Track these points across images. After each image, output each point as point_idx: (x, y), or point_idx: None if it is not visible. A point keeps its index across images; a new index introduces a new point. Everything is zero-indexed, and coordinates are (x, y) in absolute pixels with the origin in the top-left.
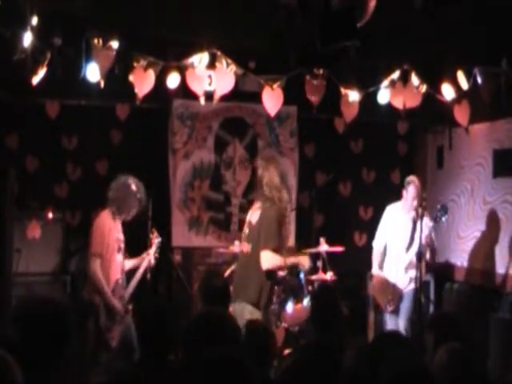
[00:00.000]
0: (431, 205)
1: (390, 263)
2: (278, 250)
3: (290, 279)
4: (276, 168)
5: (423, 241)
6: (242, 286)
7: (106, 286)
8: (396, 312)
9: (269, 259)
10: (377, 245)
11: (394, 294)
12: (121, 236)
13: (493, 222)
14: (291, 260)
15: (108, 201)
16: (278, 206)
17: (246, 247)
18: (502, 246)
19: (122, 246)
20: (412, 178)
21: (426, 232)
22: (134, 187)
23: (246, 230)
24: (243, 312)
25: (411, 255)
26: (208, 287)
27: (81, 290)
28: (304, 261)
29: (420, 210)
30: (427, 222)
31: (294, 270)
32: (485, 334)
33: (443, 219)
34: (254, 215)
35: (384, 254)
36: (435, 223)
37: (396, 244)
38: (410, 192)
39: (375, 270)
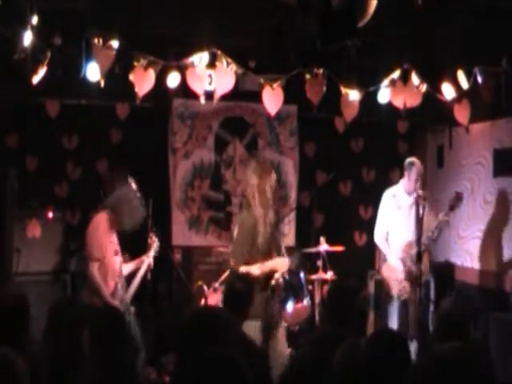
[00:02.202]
0: (431, 204)
1: (398, 250)
2: (252, 259)
3: (290, 279)
4: (257, 171)
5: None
6: None
7: (104, 289)
8: (407, 301)
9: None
10: (378, 231)
11: (405, 284)
12: (115, 239)
13: (494, 221)
14: (268, 267)
15: (106, 204)
16: (250, 212)
17: (232, 262)
18: (503, 246)
19: (118, 248)
20: (413, 159)
21: (433, 224)
22: (135, 202)
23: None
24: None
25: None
26: (229, 290)
27: (81, 292)
28: (281, 265)
29: (421, 193)
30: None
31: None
32: (485, 333)
33: (459, 206)
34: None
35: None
36: (451, 211)
37: (403, 228)
38: (413, 172)
39: (393, 260)
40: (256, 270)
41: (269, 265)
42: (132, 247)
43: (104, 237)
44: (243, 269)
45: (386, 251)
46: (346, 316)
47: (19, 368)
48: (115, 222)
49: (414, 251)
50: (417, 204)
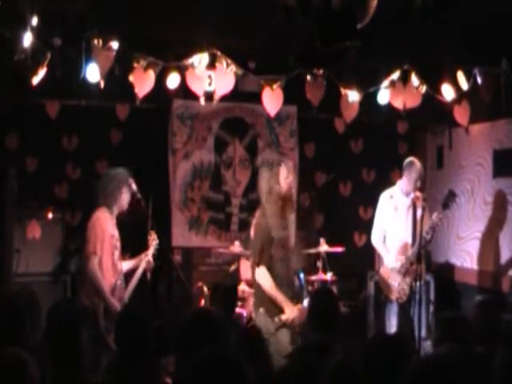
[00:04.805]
0: (431, 205)
1: (395, 251)
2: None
3: None
4: (267, 171)
5: (434, 220)
6: (258, 294)
7: (105, 285)
8: (408, 303)
9: (261, 277)
10: (375, 233)
11: (404, 286)
12: (116, 233)
13: (493, 222)
14: (279, 298)
15: (97, 198)
16: (266, 218)
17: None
18: (502, 247)
19: (118, 244)
20: (412, 158)
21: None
22: (121, 178)
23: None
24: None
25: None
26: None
27: (79, 294)
28: (289, 312)
29: (418, 194)
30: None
31: None
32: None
33: (453, 204)
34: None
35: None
36: (444, 210)
37: (400, 229)
38: (413, 172)
39: (390, 263)
40: (269, 288)
41: (281, 300)
42: (132, 246)
43: (102, 231)
44: (262, 275)
45: (383, 253)
46: (328, 324)
47: (31, 368)
48: (109, 203)
49: (410, 252)
50: (414, 205)
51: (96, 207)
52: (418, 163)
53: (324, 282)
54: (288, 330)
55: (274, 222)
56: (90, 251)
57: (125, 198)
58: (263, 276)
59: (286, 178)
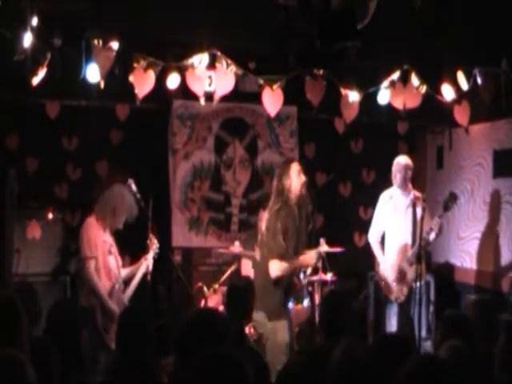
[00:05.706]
0: (431, 205)
1: (394, 252)
2: (284, 255)
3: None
4: (286, 169)
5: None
6: (259, 296)
7: (102, 288)
8: (407, 303)
9: (276, 268)
10: (373, 231)
11: (403, 286)
12: (108, 239)
13: (493, 222)
14: (299, 262)
15: (95, 208)
16: (284, 209)
17: (258, 254)
18: (502, 247)
19: (113, 250)
20: (398, 157)
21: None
22: (126, 197)
23: (259, 236)
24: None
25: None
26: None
27: (78, 296)
28: (309, 259)
29: (417, 194)
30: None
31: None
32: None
33: (454, 206)
34: (264, 222)
35: (382, 243)
36: (445, 211)
37: (399, 230)
38: (394, 170)
39: (382, 262)
40: (289, 267)
41: (300, 261)
42: (132, 248)
43: (94, 237)
44: (275, 264)
45: (377, 252)
46: (339, 328)
47: (28, 369)
48: (105, 220)
49: (409, 253)
50: (413, 206)
51: (90, 212)
52: (399, 159)
53: (325, 282)
54: (287, 325)
55: (287, 219)
56: (85, 256)
57: (121, 220)
58: (276, 265)
59: (297, 175)
